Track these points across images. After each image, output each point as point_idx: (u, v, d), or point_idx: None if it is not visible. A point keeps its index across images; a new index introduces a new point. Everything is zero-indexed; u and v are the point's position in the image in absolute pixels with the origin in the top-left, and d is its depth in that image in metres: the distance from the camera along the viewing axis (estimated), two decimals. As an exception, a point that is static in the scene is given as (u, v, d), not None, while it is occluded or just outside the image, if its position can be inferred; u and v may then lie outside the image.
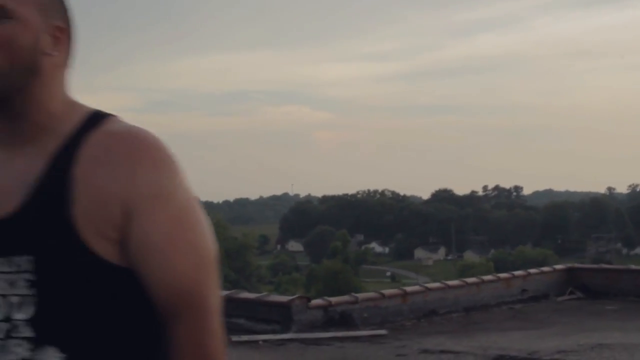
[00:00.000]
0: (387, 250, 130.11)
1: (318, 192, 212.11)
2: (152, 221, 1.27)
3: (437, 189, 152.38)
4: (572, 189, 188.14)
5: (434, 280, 14.83)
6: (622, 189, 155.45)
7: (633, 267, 12.89)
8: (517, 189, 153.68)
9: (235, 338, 7.63)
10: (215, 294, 1.31)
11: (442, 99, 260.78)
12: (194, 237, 1.30)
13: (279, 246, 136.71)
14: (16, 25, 1.28)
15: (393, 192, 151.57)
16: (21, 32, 1.29)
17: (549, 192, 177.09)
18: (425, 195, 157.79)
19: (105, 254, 1.26)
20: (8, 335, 1.27)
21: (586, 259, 70.04)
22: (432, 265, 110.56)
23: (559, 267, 12.16)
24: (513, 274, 11.25)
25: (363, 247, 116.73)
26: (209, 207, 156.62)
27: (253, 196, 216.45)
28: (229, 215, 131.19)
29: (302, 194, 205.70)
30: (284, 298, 8.56)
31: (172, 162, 1.32)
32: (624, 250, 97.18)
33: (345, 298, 8.83)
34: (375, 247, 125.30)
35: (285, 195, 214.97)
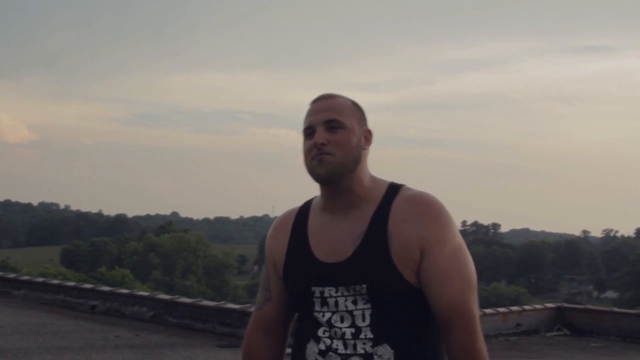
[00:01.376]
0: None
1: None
2: (436, 258, 1.87)
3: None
4: (548, 229, 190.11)
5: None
6: (596, 232, 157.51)
7: (615, 309, 14.15)
8: (495, 226, 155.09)
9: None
10: (477, 308, 1.89)
11: (427, 132, 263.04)
12: (463, 268, 1.89)
13: (256, 267, 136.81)
14: (348, 132, 1.93)
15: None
16: (351, 137, 1.93)
17: (525, 232, 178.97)
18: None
19: (411, 280, 1.88)
20: (355, 337, 1.87)
21: (558, 299, 71.24)
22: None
23: (549, 305, 13.34)
24: (510, 309, 12.41)
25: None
26: (188, 223, 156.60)
27: (233, 215, 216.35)
28: (208, 233, 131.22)
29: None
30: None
31: (448, 216, 1.91)
32: (595, 293, 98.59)
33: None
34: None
35: (266, 216, 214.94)
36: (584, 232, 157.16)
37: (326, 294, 1.92)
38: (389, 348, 1.88)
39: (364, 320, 1.89)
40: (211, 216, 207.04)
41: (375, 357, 1.87)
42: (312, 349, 1.95)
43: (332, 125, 1.94)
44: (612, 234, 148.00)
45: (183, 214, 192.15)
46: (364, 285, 1.88)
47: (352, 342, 1.89)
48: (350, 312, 1.89)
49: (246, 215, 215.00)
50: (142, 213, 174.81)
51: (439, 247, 1.88)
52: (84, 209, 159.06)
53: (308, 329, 1.98)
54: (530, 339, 11.75)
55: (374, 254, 1.88)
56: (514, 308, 12.65)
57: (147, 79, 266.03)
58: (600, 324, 12.32)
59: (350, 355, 1.89)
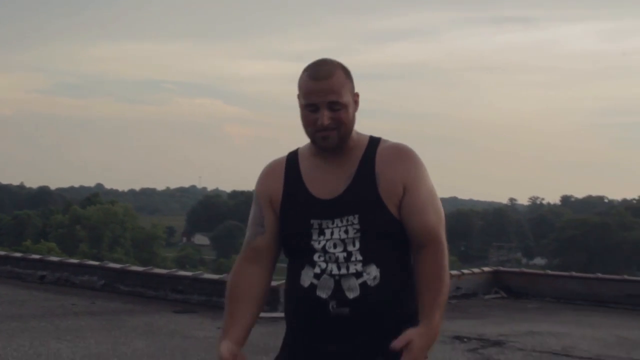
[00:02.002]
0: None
1: (227, 186, 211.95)
2: (417, 194, 2.28)
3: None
4: (476, 198, 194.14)
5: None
6: (523, 200, 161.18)
7: (549, 272, 14.81)
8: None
9: (236, 313, 9.02)
10: (445, 236, 2.29)
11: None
12: (437, 204, 2.32)
13: (184, 239, 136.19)
14: (346, 109, 2.28)
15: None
16: (349, 112, 2.29)
17: (454, 200, 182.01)
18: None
19: (394, 213, 2.26)
20: (347, 260, 2.23)
21: (488, 266, 73.13)
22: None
23: (486, 269, 13.90)
24: (451, 273, 12.88)
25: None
26: (114, 194, 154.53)
27: (160, 186, 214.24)
28: (135, 205, 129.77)
29: (210, 187, 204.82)
30: (273, 283, 9.94)
31: (421, 161, 2.34)
32: (524, 260, 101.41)
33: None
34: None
35: (193, 187, 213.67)
36: (511, 200, 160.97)
37: (323, 226, 2.27)
38: (375, 267, 2.24)
39: (354, 245, 2.24)
40: (137, 187, 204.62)
41: (364, 274, 2.23)
42: (307, 273, 2.27)
43: (334, 107, 2.26)
44: (538, 202, 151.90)
45: (108, 185, 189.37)
46: (356, 216, 2.25)
47: (345, 264, 2.24)
48: (343, 240, 2.25)
49: (173, 186, 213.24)
50: (66, 185, 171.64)
51: (418, 185, 2.29)
52: (5, 181, 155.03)
53: (302, 258, 2.29)
54: (470, 302, 12.24)
55: (364, 190, 2.28)
56: (454, 272, 13.11)
57: (69, 49, 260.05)
58: (536, 286, 12.89)
59: (344, 275, 2.23)
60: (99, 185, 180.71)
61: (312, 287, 2.25)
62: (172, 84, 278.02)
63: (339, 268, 2.22)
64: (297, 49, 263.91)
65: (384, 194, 2.26)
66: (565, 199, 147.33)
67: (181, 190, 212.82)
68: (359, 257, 2.24)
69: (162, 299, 10.06)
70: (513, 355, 7.34)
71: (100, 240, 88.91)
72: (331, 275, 2.23)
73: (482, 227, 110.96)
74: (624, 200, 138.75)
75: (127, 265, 11.69)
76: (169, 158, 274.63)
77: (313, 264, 2.25)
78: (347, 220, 2.25)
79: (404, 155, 2.33)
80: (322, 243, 2.25)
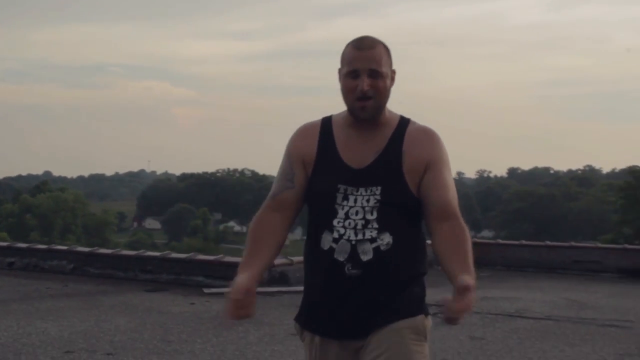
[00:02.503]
0: (245, 229, 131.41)
1: (176, 169, 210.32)
2: (439, 173, 2.52)
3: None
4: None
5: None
6: (470, 174, 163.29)
7: (500, 241, 15.47)
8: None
9: (206, 290, 9.42)
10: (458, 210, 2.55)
11: (303, 80, 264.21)
12: (453, 184, 2.57)
13: (135, 223, 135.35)
14: (384, 80, 2.50)
15: (253, 172, 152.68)
16: (386, 83, 2.51)
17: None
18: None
19: (413, 190, 2.50)
20: (364, 227, 2.47)
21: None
22: (289, 244, 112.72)
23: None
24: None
25: (222, 226, 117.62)
26: (62, 182, 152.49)
27: (109, 172, 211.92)
28: (84, 191, 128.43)
29: (160, 171, 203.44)
30: (239, 259, 10.36)
31: (444, 146, 2.58)
32: (472, 233, 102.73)
33: (284, 261, 10.72)
34: (235, 226, 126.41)
35: (142, 172, 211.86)
36: (459, 173, 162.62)
37: (349, 192, 2.51)
38: (389, 234, 2.49)
39: (372, 214, 2.49)
40: (86, 174, 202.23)
41: (378, 240, 2.48)
42: (327, 237, 2.51)
43: (374, 75, 2.49)
44: (485, 175, 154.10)
45: (56, 172, 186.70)
46: (379, 188, 2.50)
47: (362, 230, 2.48)
48: (363, 208, 2.50)
49: (122, 171, 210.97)
50: (13, 174, 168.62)
51: (440, 165, 2.54)
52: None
53: (324, 222, 2.53)
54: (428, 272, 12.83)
55: (389, 165, 2.52)
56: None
57: (10, 34, 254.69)
58: (488, 255, 13.47)
59: (359, 240, 2.47)
60: (47, 173, 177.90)
61: (331, 250, 2.49)
62: (117, 67, 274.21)
63: (355, 234, 2.48)
64: (243, 27, 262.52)
65: (406, 171, 2.50)
66: (512, 171, 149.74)
67: (130, 175, 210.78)
68: (375, 225, 2.48)
69: (132, 279, 10.39)
70: (470, 318, 7.86)
71: (51, 229, 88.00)
72: (348, 240, 2.47)
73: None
74: (569, 171, 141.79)
75: (96, 248, 11.98)
76: (117, 143, 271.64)
77: (332, 229, 2.50)
78: (370, 191, 2.50)
79: (430, 138, 2.57)
80: (345, 209, 2.50)
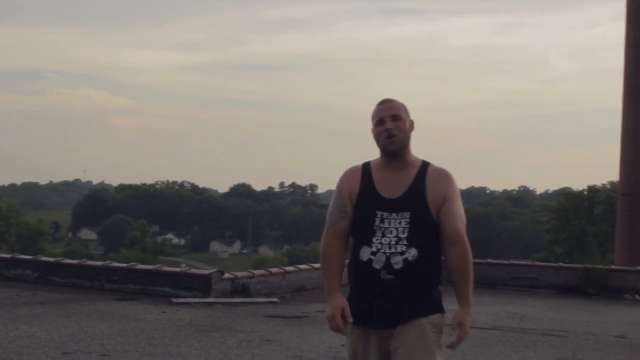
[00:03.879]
0: (183, 242, 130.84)
1: (113, 180, 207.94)
2: (452, 206, 3.33)
3: (235, 183, 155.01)
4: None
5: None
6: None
7: (444, 258, 16.28)
8: (313, 187, 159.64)
9: (175, 300, 9.96)
10: (466, 237, 3.35)
11: (244, 93, 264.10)
12: (463, 215, 3.37)
13: (70, 234, 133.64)
14: (404, 122, 3.37)
15: (192, 185, 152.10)
16: (406, 124, 3.36)
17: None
18: (224, 189, 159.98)
19: (434, 216, 3.31)
20: (397, 243, 3.26)
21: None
22: (227, 258, 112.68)
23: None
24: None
25: (160, 238, 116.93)
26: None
27: (42, 180, 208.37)
28: (17, 199, 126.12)
29: (96, 181, 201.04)
30: (205, 272, 10.91)
31: (456, 183, 3.41)
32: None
33: (246, 274, 11.32)
34: (173, 238, 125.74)
35: (78, 181, 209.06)
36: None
37: (385, 216, 3.36)
38: (415, 249, 3.32)
39: (404, 234, 3.33)
40: (18, 182, 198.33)
41: (407, 253, 3.31)
42: (366, 251, 3.35)
43: (395, 118, 3.39)
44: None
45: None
46: (409, 213, 3.35)
47: (395, 246, 3.32)
48: (397, 229, 3.34)
49: (56, 180, 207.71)
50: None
51: (453, 199, 3.38)
52: None
53: (364, 240, 3.36)
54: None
55: (416, 196, 3.37)
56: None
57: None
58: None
59: (393, 253, 3.31)
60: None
61: (370, 261, 3.33)
62: (54, 74, 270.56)
63: (390, 248, 3.32)
64: (185, 38, 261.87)
65: (430, 201, 3.35)
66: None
67: (65, 184, 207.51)
68: (405, 242, 3.31)
69: (98, 289, 10.85)
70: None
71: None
72: (384, 253, 3.32)
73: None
74: (505, 192, 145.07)
75: (61, 258, 12.38)
76: (52, 151, 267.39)
77: (371, 245, 3.34)
78: (402, 215, 3.34)
79: (446, 177, 3.42)
80: (383, 229, 3.34)
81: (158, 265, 11.42)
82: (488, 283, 13.97)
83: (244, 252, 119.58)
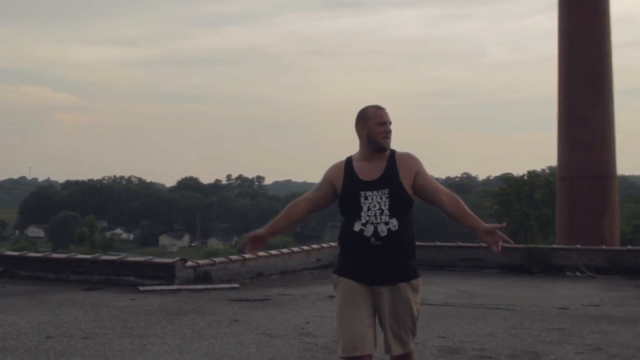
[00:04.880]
0: (131, 236, 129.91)
1: (59, 176, 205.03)
2: (425, 178, 4.26)
3: (182, 176, 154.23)
4: (309, 180, 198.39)
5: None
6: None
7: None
8: (260, 178, 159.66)
9: (142, 288, 10.34)
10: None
11: (189, 87, 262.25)
12: (436, 182, 4.33)
13: (17, 232, 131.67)
14: (390, 126, 4.27)
15: (139, 179, 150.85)
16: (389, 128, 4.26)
17: (288, 183, 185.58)
18: (171, 182, 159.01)
19: (408, 190, 4.19)
20: (381, 214, 4.10)
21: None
22: (176, 252, 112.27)
23: (342, 242, 15.75)
24: (312, 247, 14.66)
25: (109, 233, 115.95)
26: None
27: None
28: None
29: (41, 178, 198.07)
30: (168, 260, 11.30)
31: (420, 160, 4.32)
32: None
33: (207, 261, 11.73)
34: (122, 233, 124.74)
35: (23, 178, 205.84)
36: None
37: (367, 194, 4.16)
38: (395, 219, 4.13)
39: (385, 206, 4.13)
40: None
41: (390, 223, 4.11)
42: (357, 224, 4.13)
43: (389, 122, 4.27)
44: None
45: None
46: (387, 189, 4.16)
47: (380, 216, 4.12)
48: (379, 202, 4.14)
49: (1, 177, 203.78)
50: None
51: (424, 172, 4.26)
52: None
53: (354, 216, 4.14)
54: (328, 271, 13.90)
55: (391, 175, 4.19)
56: (315, 246, 14.91)
57: None
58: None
59: (378, 223, 4.09)
60: None
61: (361, 230, 4.12)
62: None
63: (375, 219, 4.12)
64: (128, 34, 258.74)
65: (402, 178, 4.19)
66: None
67: (10, 182, 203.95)
68: (387, 213, 4.12)
69: (63, 281, 11.16)
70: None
71: None
72: (372, 223, 4.11)
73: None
74: (448, 178, 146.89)
75: (25, 252, 12.63)
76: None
77: (360, 218, 4.14)
78: (382, 192, 4.16)
79: (411, 157, 4.30)
80: (367, 204, 4.15)
81: (122, 255, 11.76)
82: (437, 265, 14.60)
83: (193, 244, 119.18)
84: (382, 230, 4.09)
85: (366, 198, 4.14)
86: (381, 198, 4.13)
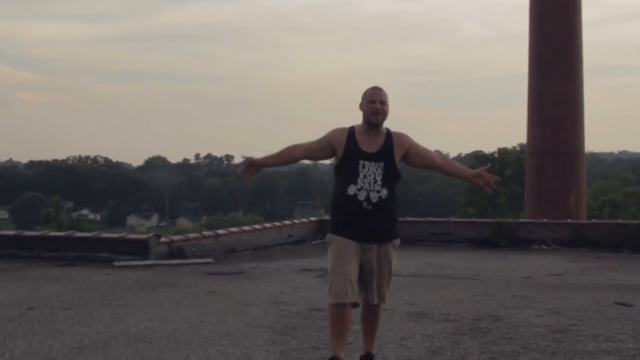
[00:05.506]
0: (98, 217, 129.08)
1: (22, 157, 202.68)
2: (418, 148, 4.97)
3: (150, 156, 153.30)
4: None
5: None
6: (325, 160, 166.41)
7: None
8: (229, 157, 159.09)
9: (117, 264, 10.50)
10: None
11: (155, 64, 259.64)
12: (429, 150, 5.08)
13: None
14: (386, 106, 4.88)
15: (106, 159, 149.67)
16: (387, 108, 4.88)
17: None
18: (139, 162, 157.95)
19: (397, 164, 4.88)
20: (374, 183, 4.75)
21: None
22: (145, 232, 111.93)
23: (313, 219, 16.04)
24: (284, 223, 14.90)
25: (76, 214, 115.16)
26: None
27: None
28: None
29: (3, 158, 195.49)
30: (142, 236, 11.47)
31: (410, 136, 5.03)
32: (327, 217, 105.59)
33: (180, 237, 11.92)
34: (89, 214, 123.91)
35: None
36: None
37: (366, 164, 4.76)
38: (386, 189, 4.77)
39: (379, 176, 4.76)
40: None
41: (381, 192, 4.75)
42: (352, 188, 4.74)
43: (382, 102, 4.83)
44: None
45: None
46: (383, 163, 4.78)
47: (373, 185, 4.74)
48: (374, 173, 4.75)
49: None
50: None
51: (416, 145, 4.95)
52: None
53: (350, 180, 4.73)
54: (300, 247, 14.27)
55: (387, 151, 4.81)
56: (287, 222, 15.16)
57: None
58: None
59: (371, 190, 4.72)
60: None
61: (355, 195, 4.75)
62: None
63: (369, 186, 4.75)
64: (92, 9, 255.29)
65: (396, 154, 4.84)
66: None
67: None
68: (380, 183, 4.76)
69: (37, 258, 11.27)
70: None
71: None
72: (365, 190, 4.75)
73: (287, 187, 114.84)
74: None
75: (-2, 230, 12.68)
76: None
77: (356, 183, 4.75)
78: (378, 164, 4.79)
79: (404, 135, 4.94)
80: (364, 172, 4.77)
81: (96, 232, 11.89)
82: (407, 240, 14.73)
83: (162, 224, 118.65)
84: (374, 197, 4.74)
85: (364, 167, 4.76)
86: (376, 169, 4.75)
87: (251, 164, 4.89)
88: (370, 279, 4.80)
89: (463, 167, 5.14)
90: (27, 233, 12.12)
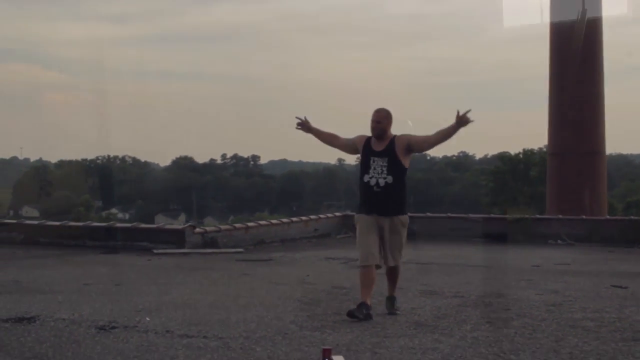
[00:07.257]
0: (127, 216, 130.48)
1: (52, 156, 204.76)
2: (412, 137, 6.51)
3: (177, 156, 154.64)
4: (304, 159, 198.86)
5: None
6: (350, 160, 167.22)
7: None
8: (255, 157, 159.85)
9: (156, 251, 11.36)
10: None
11: (181, 65, 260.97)
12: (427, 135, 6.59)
13: (11, 212, 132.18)
14: (382, 124, 6.56)
15: (134, 159, 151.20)
16: (383, 126, 6.50)
17: (284, 162, 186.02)
18: (166, 162, 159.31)
19: (401, 159, 6.45)
20: (381, 172, 6.40)
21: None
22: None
23: (338, 214, 16.82)
24: (310, 217, 15.71)
25: (105, 213, 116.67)
26: None
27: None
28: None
29: (33, 158, 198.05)
30: (178, 226, 12.35)
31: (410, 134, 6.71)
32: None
33: (213, 228, 12.78)
34: (117, 213, 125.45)
35: (15, 159, 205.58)
36: (339, 160, 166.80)
37: (375, 159, 6.42)
38: (391, 177, 6.36)
39: (385, 167, 6.38)
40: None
41: (387, 178, 6.36)
42: (366, 177, 6.40)
43: (377, 121, 6.48)
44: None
45: None
46: (387, 158, 6.41)
47: (381, 173, 6.38)
48: (381, 165, 6.39)
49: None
50: None
51: (412, 136, 6.52)
52: None
53: (365, 171, 6.40)
54: (325, 240, 15.02)
55: (390, 150, 6.45)
56: (313, 217, 15.96)
57: None
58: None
59: (379, 177, 6.36)
60: None
61: (368, 181, 6.35)
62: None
63: (378, 175, 6.35)
64: (117, 11, 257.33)
65: (398, 151, 6.35)
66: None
67: (2, 162, 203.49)
68: (385, 172, 6.31)
69: (81, 247, 12.17)
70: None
71: None
72: (375, 177, 6.34)
73: (313, 187, 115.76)
74: (445, 157, 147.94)
75: (44, 220, 13.63)
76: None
77: (369, 173, 6.38)
78: (383, 159, 6.35)
79: (404, 135, 6.41)
80: (374, 165, 6.36)
81: (135, 223, 12.77)
82: (428, 235, 15.59)
83: (189, 223, 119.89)
84: (382, 182, 6.31)
85: (374, 161, 6.37)
86: (383, 162, 6.32)
87: (305, 124, 6.64)
88: (386, 247, 6.29)
89: (447, 127, 6.23)
90: (72, 224, 13.03)
